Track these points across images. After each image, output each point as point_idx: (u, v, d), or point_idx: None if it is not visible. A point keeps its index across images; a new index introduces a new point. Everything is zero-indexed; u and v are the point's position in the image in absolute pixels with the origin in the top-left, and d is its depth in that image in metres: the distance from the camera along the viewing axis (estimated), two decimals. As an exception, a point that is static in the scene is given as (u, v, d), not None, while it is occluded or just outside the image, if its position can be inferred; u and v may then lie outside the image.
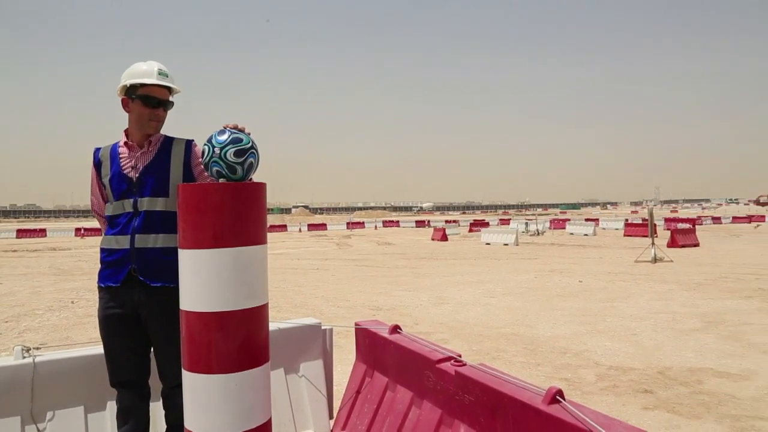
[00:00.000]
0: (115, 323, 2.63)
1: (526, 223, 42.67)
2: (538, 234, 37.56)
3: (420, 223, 59.03)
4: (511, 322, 8.43)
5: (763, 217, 55.20)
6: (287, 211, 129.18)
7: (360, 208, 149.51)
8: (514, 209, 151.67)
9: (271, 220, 72.92)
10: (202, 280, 2.02)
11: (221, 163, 2.13)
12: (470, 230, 43.95)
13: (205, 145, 2.18)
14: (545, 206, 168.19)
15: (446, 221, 54.93)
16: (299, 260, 20.89)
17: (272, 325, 3.33)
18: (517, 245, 27.39)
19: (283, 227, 53.93)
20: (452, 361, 2.56)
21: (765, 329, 7.65)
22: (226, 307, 2.01)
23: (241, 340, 2.06)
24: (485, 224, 46.30)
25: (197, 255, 2.03)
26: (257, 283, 2.10)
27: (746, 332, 7.51)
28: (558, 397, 1.94)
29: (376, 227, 56.74)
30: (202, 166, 2.31)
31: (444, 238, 33.54)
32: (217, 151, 2.13)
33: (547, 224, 44.81)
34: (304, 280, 14.35)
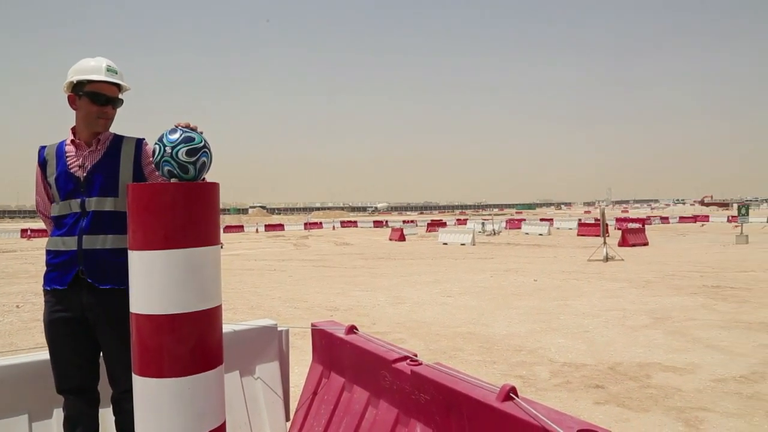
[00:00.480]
0: (61, 327, 2.54)
1: (483, 223, 43.25)
2: (495, 234, 38.13)
3: (378, 224, 59.15)
4: (468, 321, 8.52)
5: (708, 216, 57.48)
6: (244, 211, 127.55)
7: (318, 209, 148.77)
8: (471, 209, 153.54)
9: (228, 220, 71.89)
10: (153, 282, 1.98)
11: (173, 162, 2.08)
12: (428, 230, 44.26)
13: (156, 144, 2.13)
14: (501, 206, 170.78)
15: (404, 221, 55.21)
16: (256, 261, 20.66)
17: (227, 327, 3.27)
18: (473, 245, 27.74)
19: (239, 228, 53.23)
20: (408, 361, 2.57)
21: (708, 324, 7.95)
22: (177, 309, 1.97)
23: (194, 343, 2.02)
24: (442, 224, 46.70)
25: (148, 256, 1.98)
26: (210, 284, 2.07)
27: (691, 327, 7.79)
28: (511, 395, 1.96)
29: (334, 227, 56.60)
30: (153, 166, 2.26)
31: (402, 238, 33.71)
32: (168, 150, 2.08)
33: (503, 224, 45.56)
34: (261, 281, 14.19)
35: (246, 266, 18.53)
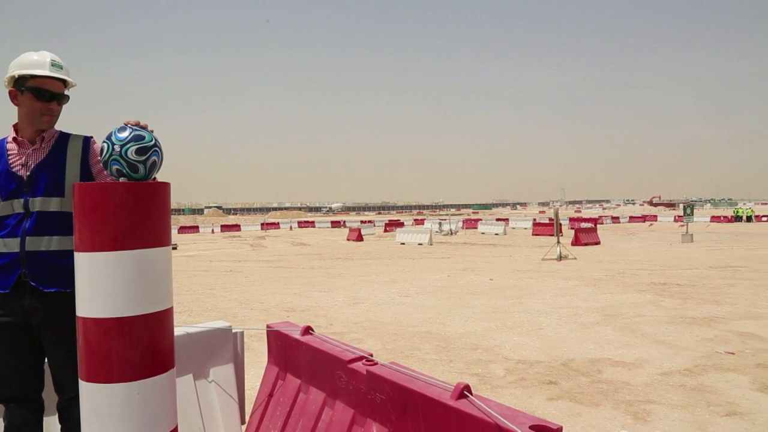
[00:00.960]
0: (2, 333, 2.44)
1: (440, 223, 43.62)
2: (451, 234, 38.50)
3: (336, 224, 58.99)
4: (425, 321, 8.58)
5: (656, 216, 59.49)
6: (199, 211, 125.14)
7: (275, 209, 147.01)
8: (428, 210, 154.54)
9: (183, 221, 70.59)
10: (101, 285, 1.92)
11: (121, 161, 2.03)
12: (385, 230, 44.38)
13: (104, 142, 2.07)
14: (458, 206, 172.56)
15: (362, 221, 55.23)
16: (212, 262, 20.32)
17: (180, 330, 3.21)
18: (431, 245, 27.95)
19: (194, 228, 52.25)
20: (364, 361, 2.57)
21: (656, 320, 8.22)
22: (126, 313, 1.92)
23: (144, 347, 1.97)
24: (400, 224, 46.94)
25: (95, 258, 1.92)
26: (160, 286, 2.02)
27: (640, 323, 8.04)
28: (465, 392, 1.99)
29: (291, 228, 56.17)
30: (101, 165, 2.19)
31: (359, 238, 33.72)
32: (117, 148, 2.03)
33: (460, 224, 46.07)
34: (217, 282, 13.97)
35: (201, 267, 18.20)
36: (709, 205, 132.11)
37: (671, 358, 6.23)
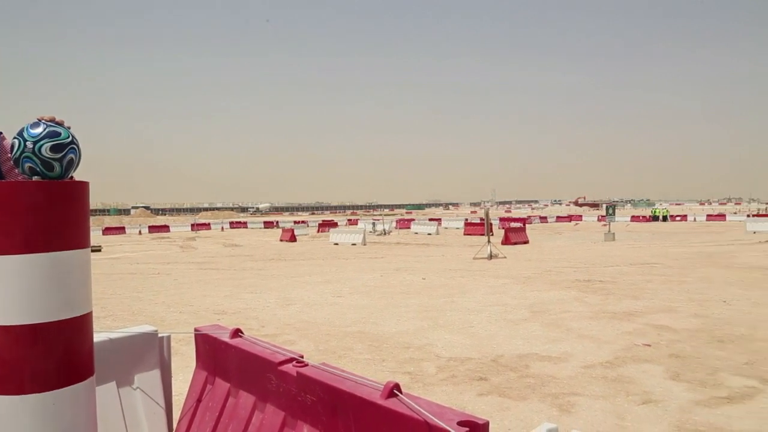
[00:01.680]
0: None
1: (374, 223, 43.83)
2: (385, 233, 38.75)
3: (268, 224, 58.19)
4: (358, 321, 8.59)
5: (581, 216, 61.97)
6: (126, 212, 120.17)
7: (206, 209, 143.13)
8: (362, 210, 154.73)
9: (108, 222, 67.87)
10: (12, 290, 1.81)
11: (35, 158, 1.92)
12: (319, 230, 44.15)
13: (15, 138, 1.95)
14: (392, 207, 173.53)
15: (295, 222, 54.74)
16: (139, 265, 19.60)
17: (102, 335, 3.08)
18: (364, 245, 28.03)
19: (120, 229, 50.26)
20: (294, 362, 2.54)
21: (580, 316, 8.56)
22: (40, 319, 1.82)
23: (60, 354, 1.88)
24: (334, 224, 46.79)
25: (5, 262, 1.81)
26: (78, 290, 1.93)
27: (565, 319, 8.34)
28: (395, 391, 2.00)
29: (222, 228, 54.96)
30: (12, 162, 2.07)
31: (293, 238, 33.41)
32: (29, 145, 1.92)
33: (394, 224, 46.44)
34: (144, 285, 13.49)
35: (128, 270, 17.53)
36: (629, 205, 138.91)
37: (594, 352, 6.50)
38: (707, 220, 50.47)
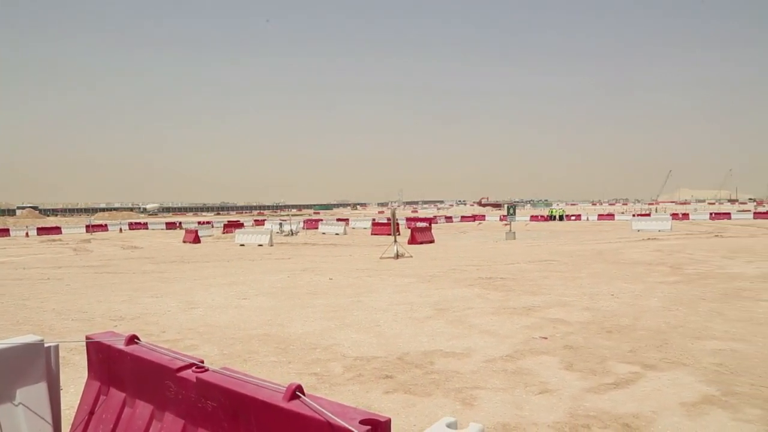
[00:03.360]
0: None
1: (281, 224, 43.24)
2: (292, 234, 38.34)
3: (171, 225, 56.00)
4: (264, 323, 8.45)
5: (484, 216, 64.25)
6: (10, 212, 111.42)
7: (103, 210, 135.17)
8: (269, 210, 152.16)
9: (-12, 224, 62.53)
10: None
11: None
12: (224, 231, 43.05)
13: None
14: (300, 207, 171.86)
15: (199, 222, 53.01)
16: (26, 270, 18.23)
17: (-24, 347, 2.84)
18: (271, 245, 27.62)
19: (4, 231, 46.49)
20: (194, 368, 2.46)
21: (482, 312, 8.87)
22: None
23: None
24: (240, 225, 45.78)
25: None
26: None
27: (468, 316, 8.62)
28: (298, 393, 1.99)
29: (121, 230, 52.24)
30: None
31: (196, 240, 32.35)
32: None
33: (301, 224, 46.08)
34: (31, 292, 12.56)
35: (12, 276, 16.27)
36: (529, 205, 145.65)
37: (495, 346, 6.76)
38: (599, 219, 53.85)
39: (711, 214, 51.17)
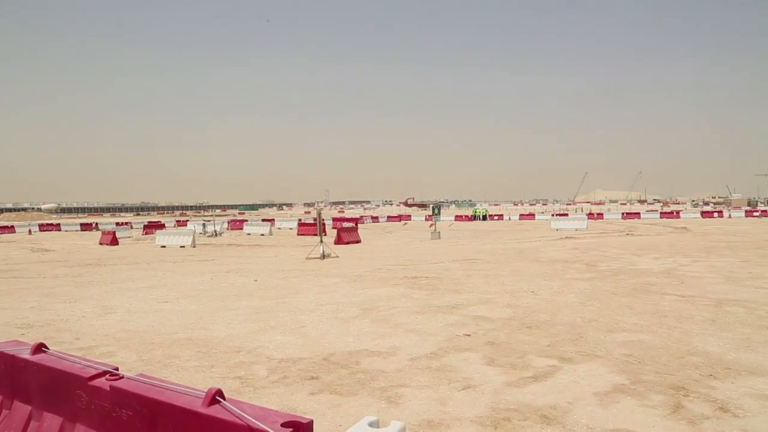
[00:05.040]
0: None
1: (204, 224, 42.07)
2: (216, 235, 37.40)
3: (86, 227, 53.31)
4: (186, 326, 8.21)
5: (410, 216, 65.08)
6: None
7: (9, 210, 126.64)
8: (192, 210, 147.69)
9: None
10: None
11: None
12: (145, 232, 41.41)
13: None
14: (224, 207, 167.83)
15: (117, 223, 50.80)
16: None
17: None
18: (194, 247, 26.84)
19: None
20: (107, 376, 2.37)
21: (407, 311, 8.99)
22: None
23: None
24: (161, 226, 44.17)
25: None
26: None
27: (394, 314, 8.71)
28: (218, 398, 1.95)
29: (30, 231, 49.20)
30: None
31: (114, 241, 30.95)
32: None
33: (226, 225, 45.03)
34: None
35: None
36: (454, 205, 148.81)
37: (420, 344, 6.86)
38: (520, 219, 55.74)
39: (623, 213, 54.19)
